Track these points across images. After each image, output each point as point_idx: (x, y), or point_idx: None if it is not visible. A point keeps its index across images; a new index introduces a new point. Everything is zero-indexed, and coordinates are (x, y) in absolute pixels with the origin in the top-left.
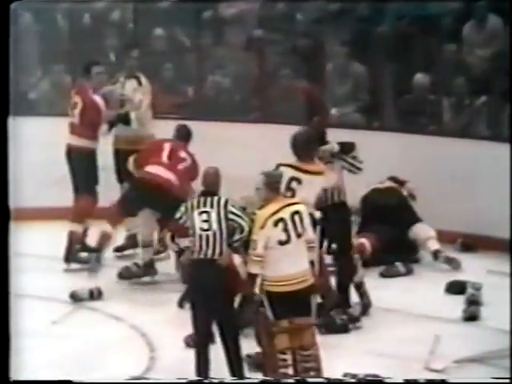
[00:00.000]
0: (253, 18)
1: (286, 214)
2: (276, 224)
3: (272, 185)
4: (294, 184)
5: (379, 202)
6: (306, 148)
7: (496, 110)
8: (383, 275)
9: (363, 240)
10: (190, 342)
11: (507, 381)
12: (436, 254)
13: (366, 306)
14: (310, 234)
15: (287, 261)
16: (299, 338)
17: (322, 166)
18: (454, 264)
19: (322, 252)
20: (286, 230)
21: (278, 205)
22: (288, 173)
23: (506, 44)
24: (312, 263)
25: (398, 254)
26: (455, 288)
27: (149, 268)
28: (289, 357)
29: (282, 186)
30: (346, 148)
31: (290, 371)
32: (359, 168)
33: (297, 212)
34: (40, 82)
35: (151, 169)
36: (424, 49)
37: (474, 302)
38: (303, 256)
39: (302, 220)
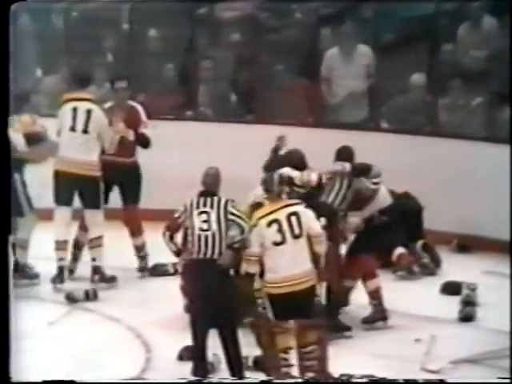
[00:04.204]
0: (250, 21)
1: (281, 215)
2: (269, 225)
3: (267, 186)
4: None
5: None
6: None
7: (491, 111)
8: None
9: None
10: (183, 356)
11: (507, 381)
12: (410, 270)
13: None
14: (316, 228)
15: (285, 262)
16: (302, 338)
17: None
18: (428, 270)
19: (337, 248)
20: (280, 230)
21: (274, 206)
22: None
23: (501, 45)
24: (318, 257)
25: None
26: (451, 289)
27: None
28: (291, 356)
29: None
30: (360, 170)
31: (293, 371)
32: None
33: (294, 213)
34: (40, 83)
35: None
36: (420, 49)
37: (469, 303)
38: (302, 257)
39: (299, 221)
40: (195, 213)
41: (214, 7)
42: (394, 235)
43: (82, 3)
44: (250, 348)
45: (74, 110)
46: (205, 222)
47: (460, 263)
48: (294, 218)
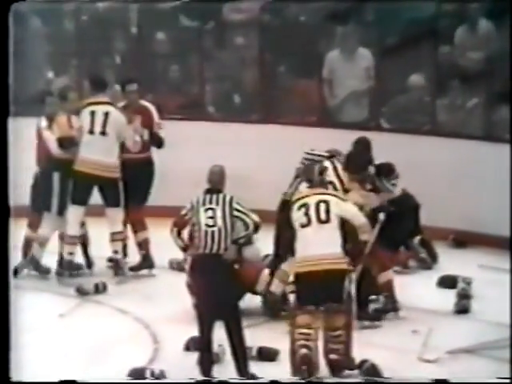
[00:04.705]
0: (255, 23)
1: (312, 200)
2: (299, 208)
3: (309, 176)
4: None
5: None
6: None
7: (488, 111)
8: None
9: None
10: (190, 346)
11: (507, 381)
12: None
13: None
14: (356, 220)
15: (310, 243)
16: (329, 322)
17: None
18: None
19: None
20: (306, 214)
21: (309, 193)
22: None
23: (498, 47)
24: (362, 245)
25: None
26: (447, 282)
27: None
28: (310, 331)
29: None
30: (383, 170)
31: (309, 344)
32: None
33: (324, 201)
34: (52, 84)
35: None
36: (419, 51)
37: (465, 296)
38: (329, 241)
39: (328, 209)
40: (201, 209)
41: (221, 10)
42: (405, 225)
43: (92, 7)
44: (253, 339)
45: (92, 113)
46: (211, 218)
47: (456, 258)
48: (322, 205)
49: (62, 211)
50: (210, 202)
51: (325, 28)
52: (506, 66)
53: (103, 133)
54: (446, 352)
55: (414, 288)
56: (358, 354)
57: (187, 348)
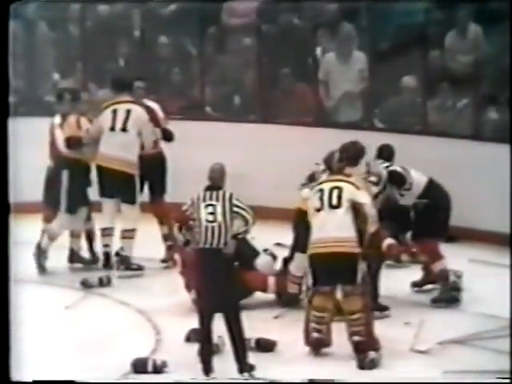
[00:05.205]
0: (252, 28)
1: (326, 186)
2: (316, 193)
3: (328, 163)
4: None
5: None
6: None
7: (477, 112)
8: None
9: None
10: (191, 337)
11: (507, 381)
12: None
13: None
14: (365, 208)
15: (322, 226)
16: (347, 305)
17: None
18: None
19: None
20: (321, 198)
21: (327, 179)
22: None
23: (486, 51)
24: (363, 233)
25: None
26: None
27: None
28: (323, 315)
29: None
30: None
31: (322, 328)
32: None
33: (337, 187)
34: (57, 86)
35: None
36: (411, 54)
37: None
38: (340, 224)
39: (340, 195)
40: (202, 205)
41: (220, 15)
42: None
43: (96, 12)
44: (252, 330)
45: (114, 111)
46: (211, 214)
47: (447, 252)
48: (335, 191)
49: (72, 209)
50: (211, 199)
51: (320, 31)
52: (494, 68)
53: (124, 129)
54: (437, 343)
55: (406, 281)
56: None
57: (188, 339)
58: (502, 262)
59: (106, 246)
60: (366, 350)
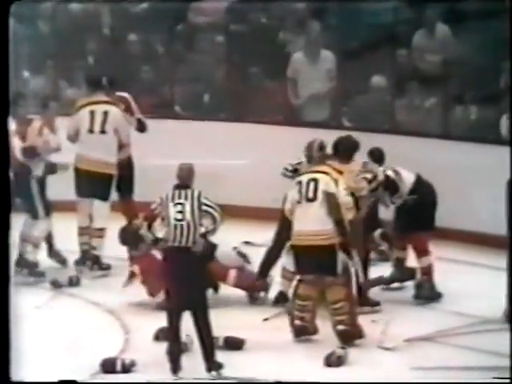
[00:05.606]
0: (220, 26)
1: (305, 178)
2: (296, 185)
3: (308, 152)
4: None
5: None
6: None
7: (445, 111)
8: None
9: None
10: (159, 336)
11: (507, 381)
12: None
13: None
14: (342, 197)
15: (301, 219)
16: (330, 295)
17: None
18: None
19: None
20: (299, 191)
21: (306, 170)
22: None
23: (454, 50)
24: (341, 222)
25: None
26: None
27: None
28: (306, 303)
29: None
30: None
31: (305, 316)
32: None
33: (313, 179)
34: (28, 84)
35: None
36: (380, 54)
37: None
38: (316, 218)
39: (316, 187)
40: (171, 204)
41: (188, 14)
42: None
43: (66, 9)
44: (220, 329)
45: (92, 112)
46: (180, 212)
47: None
48: (312, 184)
49: (43, 213)
50: (179, 197)
51: (288, 30)
52: (462, 68)
53: (103, 131)
54: (404, 340)
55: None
56: (322, 340)
57: (157, 338)
58: (468, 259)
59: (83, 244)
60: (350, 340)
